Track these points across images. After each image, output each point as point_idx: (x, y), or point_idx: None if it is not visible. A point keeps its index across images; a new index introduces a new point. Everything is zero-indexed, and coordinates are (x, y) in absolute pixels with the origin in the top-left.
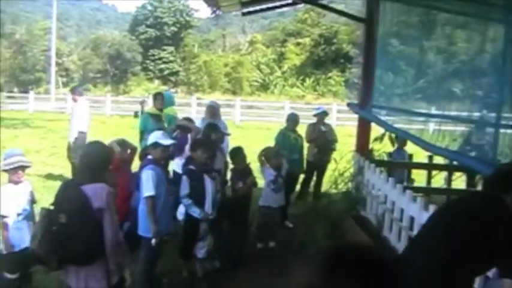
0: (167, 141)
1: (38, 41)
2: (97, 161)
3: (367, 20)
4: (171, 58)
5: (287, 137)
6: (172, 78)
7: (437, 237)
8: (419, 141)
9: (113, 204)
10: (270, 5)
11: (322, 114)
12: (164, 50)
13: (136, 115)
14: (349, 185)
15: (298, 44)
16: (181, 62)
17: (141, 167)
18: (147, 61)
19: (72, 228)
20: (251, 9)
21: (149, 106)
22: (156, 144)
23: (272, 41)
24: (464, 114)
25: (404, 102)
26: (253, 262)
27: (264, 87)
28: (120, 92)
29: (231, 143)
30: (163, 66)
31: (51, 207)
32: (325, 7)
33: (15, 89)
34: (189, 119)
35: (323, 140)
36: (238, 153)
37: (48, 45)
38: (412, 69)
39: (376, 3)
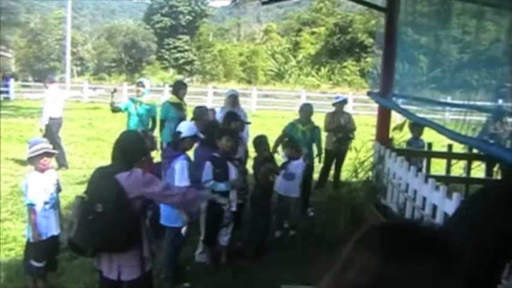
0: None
1: (53, 30)
2: (131, 151)
3: (387, 9)
4: (186, 47)
5: (295, 129)
6: (188, 67)
7: (471, 231)
8: (445, 131)
9: (153, 176)
10: None
11: (342, 103)
12: (179, 39)
13: (112, 106)
14: (370, 173)
15: (313, 33)
16: (197, 51)
17: (171, 157)
18: (162, 50)
19: (108, 218)
20: None
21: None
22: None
23: (287, 30)
24: (483, 103)
25: (425, 92)
26: (275, 250)
27: (279, 76)
28: (135, 81)
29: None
30: (178, 55)
31: (86, 196)
32: None
33: (30, 78)
34: (203, 108)
35: (342, 129)
36: (261, 142)
37: (62, 34)
38: (428, 58)
39: None
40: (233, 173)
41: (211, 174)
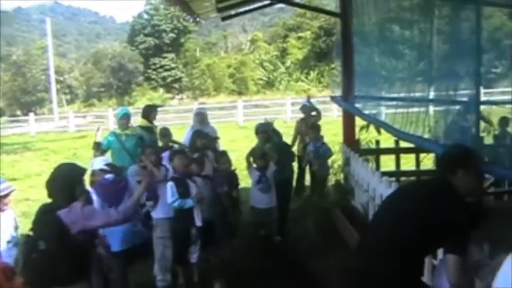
0: None
1: (37, 61)
2: (67, 183)
3: (341, 15)
4: (173, 65)
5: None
6: (176, 85)
7: (390, 220)
8: (390, 128)
9: (92, 210)
10: (247, 8)
11: (307, 109)
12: (165, 57)
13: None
14: (341, 176)
15: (299, 38)
16: (183, 67)
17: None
18: (149, 70)
19: (52, 255)
20: (229, 13)
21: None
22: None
23: (273, 37)
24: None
25: (377, 90)
26: (250, 261)
27: (269, 84)
28: (125, 104)
29: (233, 144)
30: (165, 74)
31: (31, 233)
32: (299, 5)
33: (18, 112)
34: (166, 130)
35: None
36: (221, 157)
37: (47, 64)
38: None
39: None
40: (193, 190)
41: (177, 194)
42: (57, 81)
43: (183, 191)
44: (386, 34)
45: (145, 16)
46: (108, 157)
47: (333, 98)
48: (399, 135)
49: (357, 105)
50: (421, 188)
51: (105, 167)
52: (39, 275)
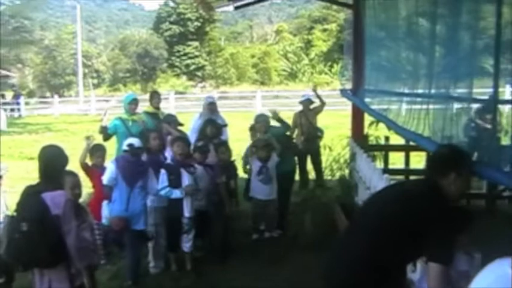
0: None
1: (67, 45)
2: (54, 166)
3: (354, 6)
4: (196, 53)
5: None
6: (199, 73)
7: (376, 224)
8: (393, 125)
9: (70, 211)
10: None
11: (307, 102)
12: (189, 45)
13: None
14: (346, 171)
15: (324, 30)
16: (207, 56)
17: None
18: (173, 57)
19: (33, 236)
20: (241, 3)
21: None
22: None
23: (299, 28)
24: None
25: (389, 84)
26: (245, 253)
27: (292, 75)
28: (148, 90)
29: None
30: (189, 61)
31: (15, 214)
32: None
33: (48, 94)
34: (171, 116)
35: (309, 127)
36: (220, 147)
37: (77, 48)
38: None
39: None
40: (186, 179)
41: (167, 181)
42: (85, 66)
43: (173, 180)
44: (402, 27)
45: (172, 4)
46: (137, 140)
47: (342, 92)
48: (401, 132)
49: (367, 99)
50: (409, 190)
51: (126, 147)
52: (20, 256)
